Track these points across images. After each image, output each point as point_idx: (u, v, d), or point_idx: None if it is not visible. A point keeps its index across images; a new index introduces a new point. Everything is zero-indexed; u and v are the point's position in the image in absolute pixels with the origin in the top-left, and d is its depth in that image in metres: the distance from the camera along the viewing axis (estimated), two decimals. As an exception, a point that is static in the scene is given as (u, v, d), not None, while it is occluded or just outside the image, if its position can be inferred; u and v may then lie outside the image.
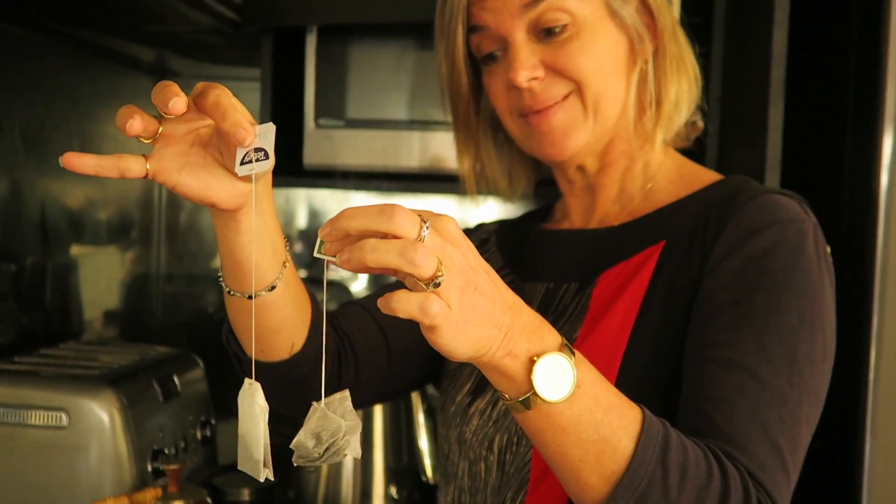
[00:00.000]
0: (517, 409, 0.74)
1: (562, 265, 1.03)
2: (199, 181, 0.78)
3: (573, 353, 0.74)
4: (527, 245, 1.10)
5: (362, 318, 1.09)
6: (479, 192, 1.14)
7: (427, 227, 0.67)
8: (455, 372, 1.04)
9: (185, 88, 0.75)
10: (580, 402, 0.74)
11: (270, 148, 0.73)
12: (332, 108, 1.59)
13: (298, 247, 3.01)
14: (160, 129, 0.76)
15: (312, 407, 0.72)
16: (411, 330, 1.08)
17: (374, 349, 1.08)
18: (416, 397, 1.46)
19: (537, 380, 0.72)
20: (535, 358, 0.72)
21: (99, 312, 2.56)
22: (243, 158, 0.74)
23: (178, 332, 2.42)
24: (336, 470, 1.49)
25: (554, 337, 0.74)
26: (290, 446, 0.71)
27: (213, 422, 1.61)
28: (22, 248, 2.49)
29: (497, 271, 1.01)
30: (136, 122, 0.73)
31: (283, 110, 1.65)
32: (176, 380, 1.54)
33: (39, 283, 2.47)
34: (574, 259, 1.02)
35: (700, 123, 1.07)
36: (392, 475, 1.49)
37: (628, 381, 0.86)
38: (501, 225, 1.18)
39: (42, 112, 1.92)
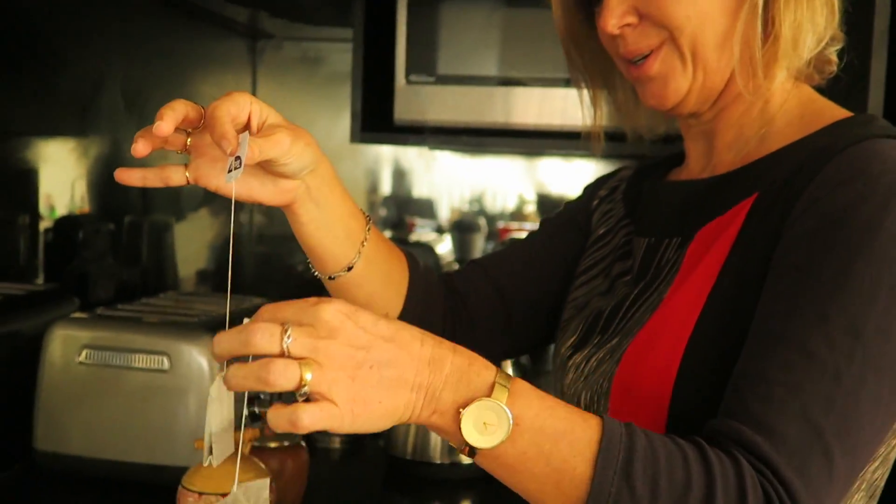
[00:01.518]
0: (464, 454, 0.73)
1: (665, 219, 0.97)
2: (239, 184, 0.85)
3: (507, 388, 0.71)
4: (645, 195, 1.04)
5: (479, 279, 1.11)
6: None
7: (289, 337, 0.67)
8: (565, 324, 1.03)
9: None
10: (523, 439, 0.71)
11: (244, 156, 0.77)
12: (423, 64, 1.60)
13: (384, 211, 3.05)
14: (188, 140, 0.84)
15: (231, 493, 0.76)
16: (530, 291, 1.10)
17: (489, 310, 1.09)
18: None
19: (466, 430, 0.70)
20: (462, 410, 0.70)
21: (192, 270, 2.63)
22: (229, 167, 0.78)
23: (269, 290, 2.47)
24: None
25: (482, 378, 0.71)
26: None
27: (305, 371, 1.65)
28: (121, 208, 2.58)
29: (616, 223, 1.03)
30: (139, 146, 0.79)
31: (374, 68, 1.67)
32: (270, 329, 1.58)
33: (136, 242, 2.55)
34: (677, 212, 0.96)
35: (833, 57, 0.95)
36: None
37: (697, 354, 0.82)
38: (638, 170, 1.11)
39: (141, 72, 1.98)
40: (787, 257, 0.80)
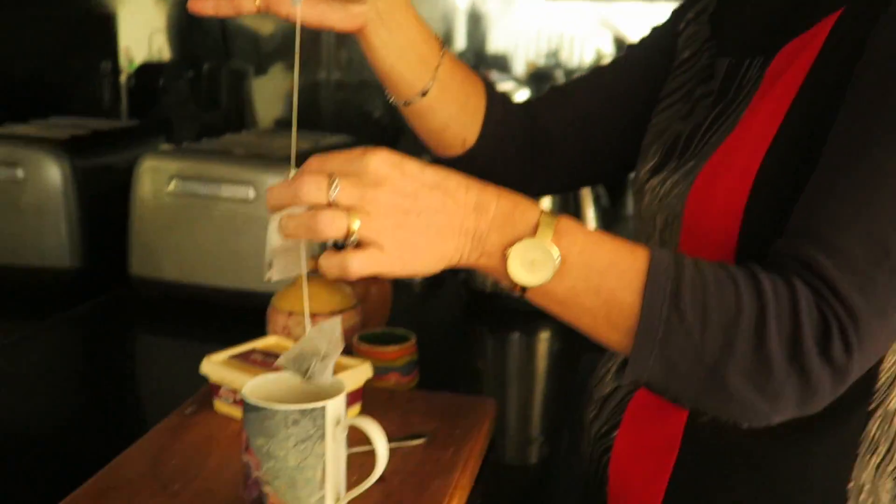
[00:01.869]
0: (516, 294, 0.74)
1: (748, 37, 0.91)
2: (311, 8, 0.85)
3: (552, 226, 0.71)
4: (730, 12, 0.97)
5: (561, 105, 1.09)
6: None
7: (336, 187, 0.68)
8: (645, 148, 1.00)
9: None
10: (570, 274, 0.72)
11: None
12: None
13: (461, 43, 3.00)
14: None
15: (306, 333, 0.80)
16: (613, 116, 1.09)
17: (572, 136, 1.08)
18: (586, 190, 1.47)
19: (513, 269, 0.71)
20: (507, 251, 0.71)
21: (270, 116, 2.66)
22: None
23: (347, 133, 2.49)
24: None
25: (527, 219, 0.72)
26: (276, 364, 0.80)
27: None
28: (200, 55, 2.60)
29: (701, 45, 0.98)
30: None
31: None
32: (352, 164, 1.61)
33: (215, 88, 2.58)
34: (761, 30, 0.90)
35: None
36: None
37: (770, 176, 0.78)
38: None
39: None
40: (868, 71, 0.75)
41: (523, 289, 0.73)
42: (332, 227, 0.68)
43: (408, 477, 0.90)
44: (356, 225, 0.68)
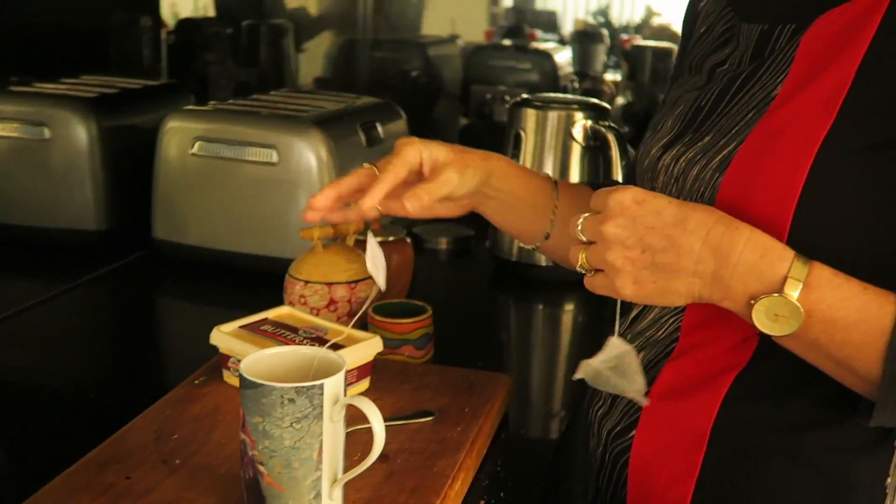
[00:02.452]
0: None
1: (778, 3, 0.86)
2: (421, 208, 0.89)
3: (800, 281, 0.70)
4: None
5: None
6: None
7: (581, 221, 0.77)
8: (656, 124, 0.96)
9: None
10: (814, 329, 0.71)
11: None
12: None
13: (504, 21, 2.94)
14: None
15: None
16: None
17: None
18: (615, 152, 1.43)
19: (757, 320, 0.71)
20: (753, 301, 0.71)
21: (309, 76, 2.64)
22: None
23: (384, 92, 2.46)
24: (532, 223, 1.50)
25: (775, 272, 0.71)
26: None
27: (414, 171, 1.65)
28: (239, 12, 2.58)
29: (718, 13, 0.92)
30: (311, 215, 0.91)
31: None
32: (379, 127, 1.58)
33: (254, 45, 2.56)
34: None
35: None
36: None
37: (828, 173, 0.74)
38: None
39: None
40: None
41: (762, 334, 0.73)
42: (574, 258, 0.78)
43: (412, 456, 0.89)
44: (583, 258, 0.77)
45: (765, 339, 0.77)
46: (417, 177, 0.90)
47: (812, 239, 0.73)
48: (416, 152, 0.89)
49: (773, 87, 0.79)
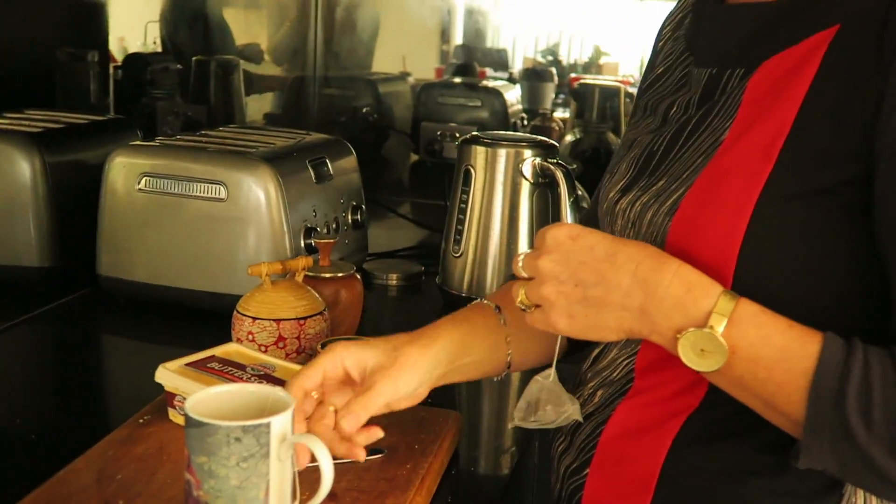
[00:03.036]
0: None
1: (727, 47, 0.86)
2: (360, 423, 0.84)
3: (725, 316, 0.71)
4: (705, 21, 0.92)
5: None
6: None
7: (522, 257, 0.80)
8: (614, 167, 0.96)
9: None
10: (738, 366, 0.72)
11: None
12: None
13: (454, 59, 2.96)
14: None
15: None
16: None
17: None
18: (563, 189, 1.44)
19: (683, 354, 0.73)
20: (678, 335, 0.73)
21: (259, 113, 2.63)
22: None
23: (334, 129, 2.46)
24: (482, 259, 1.51)
25: (699, 307, 0.72)
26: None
27: (363, 207, 1.65)
28: (188, 48, 2.57)
29: (677, 57, 0.94)
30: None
31: None
32: (329, 164, 1.57)
33: (203, 81, 2.55)
34: (741, 40, 0.84)
35: None
36: (536, 265, 1.49)
37: (769, 215, 0.74)
38: None
39: None
40: None
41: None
42: (515, 294, 0.80)
43: (361, 495, 0.88)
44: (522, 294, 0.79)
45: (711, 388, 0.78)
46: (351, 383, 0.87)
47: (756, 283, 0.74)
48: (334, 358, 0.86)
49: (722, 131, 0.80)
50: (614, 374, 0.89)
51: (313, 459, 0.76)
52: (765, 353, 0.71)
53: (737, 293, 0.74)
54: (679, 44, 0.95)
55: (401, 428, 1.01)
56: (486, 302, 0.98)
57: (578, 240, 0.76)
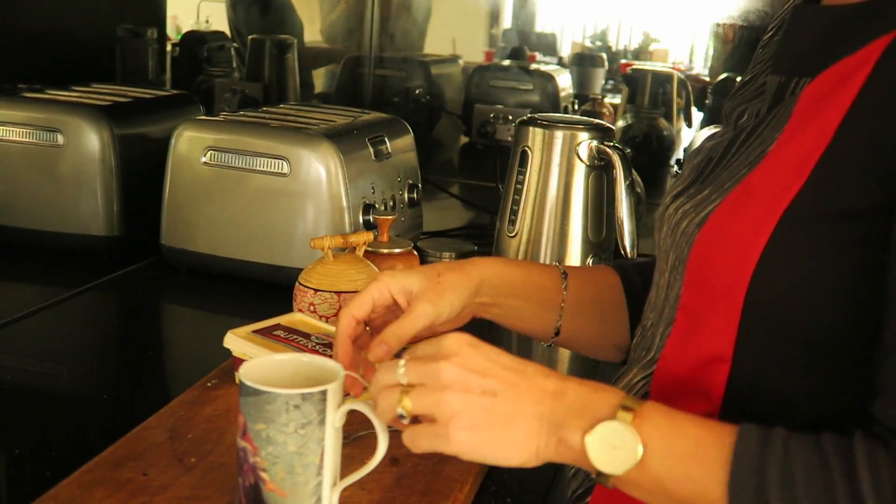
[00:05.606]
0: (602, 483, 0.70)
1: (800, 53, 0.81)
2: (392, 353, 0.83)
3: (632, 410, 0.68)
4: (790, 22, 0.86)
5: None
6: None
7: (402, 365, 0.71)
8: (682, 173, 0.91)
9: None
10: (653, 462, 0.67)
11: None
12: None
13: (504, 44, 2.98)
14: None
15: None
16: None
17: None
18: (619, 172, 1.45)
19: (593, 455, 0.68)
20: (586, 435, 0.68)
21: (313, 91, 2.66)
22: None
23: (387, 109, 2.49)
24: (536, 239, 1.53)
25: (606, 402, 0.69)
26: None
27: (419, 186, 1.67)
28: (244, 27, 2.61)
29: (765, 63, 0.89)
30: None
31: None
32: (387, 142, 1.60)
33: (259, 60, 2.58)
34: (814, 45, 0.79)
35: None
36: (590, 247, 1.51)
37: (790, 234, 0.69)
38: None
39: None
40: None
41: (605, 478, 0.69)
42: (384, 406, 0.72)
43: (422, 460, 0.90)
44: (406, 402, 0.70)
45: None
46: (400, 311, 0.86)
47: (766, 309, 0.70)
48: (382, 289, 0.86)
49: (770, 142, 0.75)
50: None
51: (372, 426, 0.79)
52: (679, 445, 0.67)
53: (747, 320, 0.70)
54: (771, 48, 0.90)
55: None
56: (556, 264, 0.97)
57: (480, 348, 0.71)
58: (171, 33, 2.62)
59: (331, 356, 0.97)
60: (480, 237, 1.79)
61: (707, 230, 0.75)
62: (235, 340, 1.03)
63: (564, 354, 1.38)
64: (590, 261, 1.51)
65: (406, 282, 0.86)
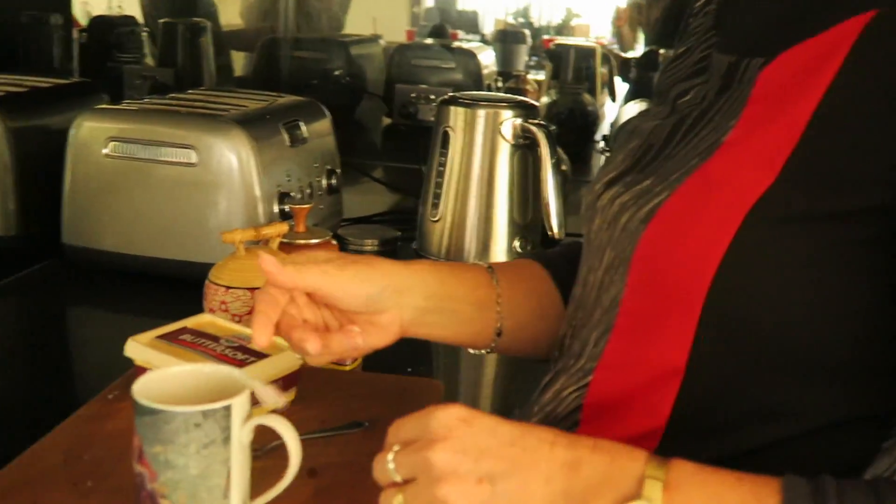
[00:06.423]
0: None
1: (751, 30, 0.74)
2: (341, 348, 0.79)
3: (660, 480, 0.59)
4: (740, 1, 0.79)
5: None
6: None
7: (391, 459, 0.62)
8: (610, 157, 0.83)
9: None
10: None
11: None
12: None
13: (426, 22, 2.91)
14: None
15: None
16: None
17: None
18: (544, 150, 1.40)
19: None
20: None
21: (228, 75, 2.57)
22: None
23: (306, 92, 2.41)
24: (460, 223, 1.47)
25: (629, 474, 0.59)
26: None
27: (338, 172, 1.60)
28: (155, 10, 2.50)
29: (701, 36, 0.82)
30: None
31: None
32: (303, 126, 1.53)
33: (171, 44, 2.48)
34: (765, 24, 0.72)
35: None
36: (516, 229, 1.46)
37: (755, 238, 0.62)
38: None
39: None
40: None
41: None
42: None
43: (341, 470, 0.84)
44: (398, 499, 0.61)
45: (666, 442, 0.67)
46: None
47: (728, 317, 0.63)
48: (286, 275, 0.76)
49: (724, 130, 0.68)
50: (559, 409, 0.76)
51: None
52: None
53: (705, 328, 0.63)
54: (708, 19, 0.82)
55: (381, 399, 0.98)
56: (477, 263, 0.90)
57: (474, 423, 0.61)
58: (82, 19, 2.50)
59: (241, 361, 0.92)
60: (405, 222, 1.72)
61: (656, 227, 0.67)
62: (137, 348, 0.95)
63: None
64: (517, 243, 1.47)
65: (314, 255, 0.79)
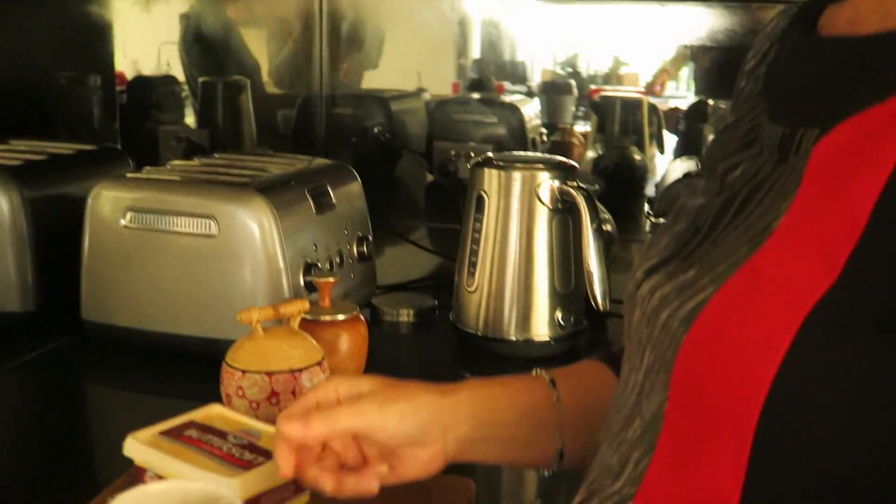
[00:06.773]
0: None
1: (800, 97, 0.65)
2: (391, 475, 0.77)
3: None
4: (785, 57, 0.70)
5: None
6: None
7: None
8: (653, 239, 0.73)
9: None
10: None
11: None
12: None
13: (476, 51, 2.85)
14: None
15: None
16: None
17: None
18: (585, 216, 1.31)
19: None
20: None
21: (269, 135, 2.53)
22: None
23: (344, 151, 2.35)
24: (498, 294, 1.38)
25: None
26: None
27: (370, 238, 1.52)
28: (193, 70, 2.47)
29: (753, 101, 0.72)
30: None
31: None
32: (331, 192, 1.45)
33: (210, 104, 2.45)
34: (821, 88, 0.63)
35: None
36: (558, 299, 1.37)
37: (812, 354, 0.51)
38: (795, 17, 0.72)
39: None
40: None
41: None
42: None
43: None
44: None
45: None
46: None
47: (786, 443, 0.52)
48: (324, 390, 0.77)
49: (777, 213, 0.58)
50: None
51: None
52: None
53: (760, 455, 0.52)
54: (758, 84, 0.73)
55: (404, 499, 0.88)
56: (538, 372, 0.82)
57: None
58: (127, 75, 2.48)
59: (247, 462, 0.84)
60: (445, 289, 1.64)
61: (699, 330, 0.57)
62: (137, 447, 0.87)
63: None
64: (559, 314, 1.37)
65: (356, 383, 0.77)
